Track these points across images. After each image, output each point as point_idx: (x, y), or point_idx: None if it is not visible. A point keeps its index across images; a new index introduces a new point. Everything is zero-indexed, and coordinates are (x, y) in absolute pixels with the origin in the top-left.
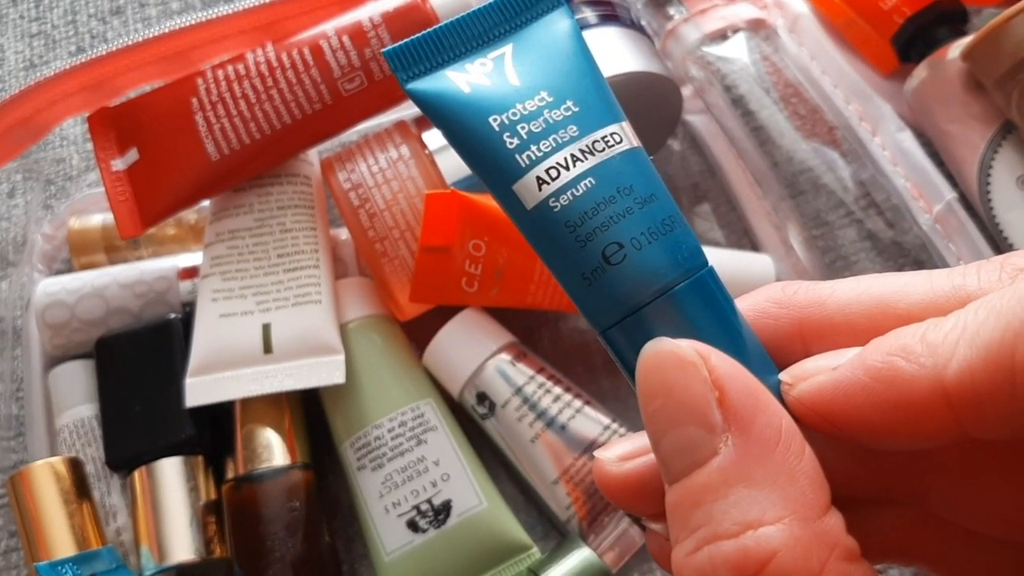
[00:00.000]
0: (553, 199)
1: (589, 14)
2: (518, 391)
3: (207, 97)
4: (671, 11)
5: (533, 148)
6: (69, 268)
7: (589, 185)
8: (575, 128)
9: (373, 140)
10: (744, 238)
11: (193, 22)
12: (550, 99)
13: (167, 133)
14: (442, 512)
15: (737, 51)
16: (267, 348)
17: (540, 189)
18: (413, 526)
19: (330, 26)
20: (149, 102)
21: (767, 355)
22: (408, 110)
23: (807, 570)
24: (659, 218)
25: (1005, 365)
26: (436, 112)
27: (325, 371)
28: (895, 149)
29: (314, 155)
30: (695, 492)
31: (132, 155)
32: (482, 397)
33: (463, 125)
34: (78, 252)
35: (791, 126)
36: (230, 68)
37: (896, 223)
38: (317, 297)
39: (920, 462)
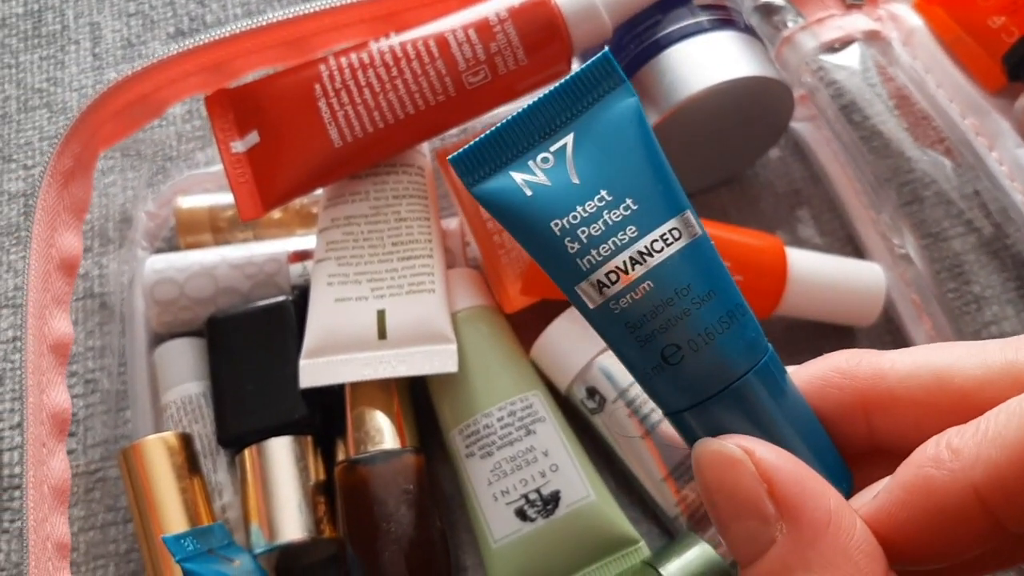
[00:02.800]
0: (613, 302)
1: (704, 18)
2: (628, 388)
3: (331, 84)
4: (785, 19)
5: (593, 252)
6: (170, 247)
7: (647, 288)
8: (634, 229)
9: None
10: (847, 245)
11: (315, 9)
12: (609, 198)
13: (290, 118)
14: (551, 502)
15: (851, 60)
16: (381, 334)
17: (601, 292)
18: (522, 515)
19: (456, 19)
20: (270, 86)
21: (823, 431)
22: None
23: None
24: (716, 316)
25: None
26: (501, 215)
27: (438, 359)
28: (1013, 164)
29: (425, 146)
30: None
31: (252, 138)
32: (592, 392)
33: (527, 228)
34: (185, 231)
35: (904, 134)
36: (353, 56)
37: (1009, 235)
38: (431, 286)
39: None
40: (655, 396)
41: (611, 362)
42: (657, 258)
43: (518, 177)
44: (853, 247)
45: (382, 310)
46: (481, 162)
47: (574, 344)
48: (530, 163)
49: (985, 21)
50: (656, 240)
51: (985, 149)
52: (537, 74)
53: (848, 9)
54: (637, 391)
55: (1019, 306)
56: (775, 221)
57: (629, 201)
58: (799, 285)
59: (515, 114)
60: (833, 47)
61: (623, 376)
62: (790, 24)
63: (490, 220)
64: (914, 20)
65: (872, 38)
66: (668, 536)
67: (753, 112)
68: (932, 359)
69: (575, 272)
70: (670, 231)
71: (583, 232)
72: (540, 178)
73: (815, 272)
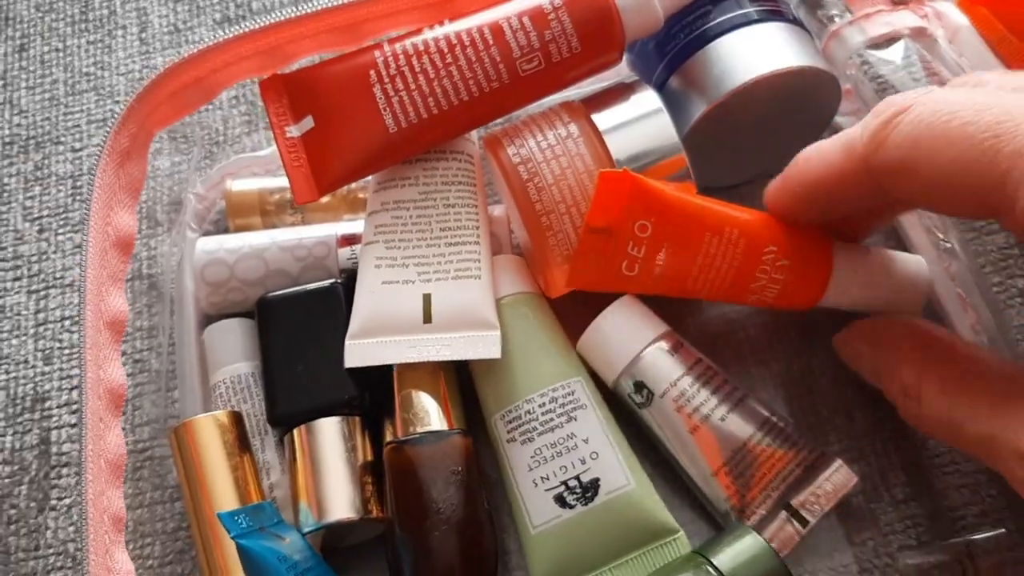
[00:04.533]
0: None
1: (752, 9)
2: (676, 381)
3: (385, 70)
4: (830, 13)
5: None
6: (218, 229)
7: None
8: None
9: (540, 118)
10: (891, 239)
11: None
12: None
13: (345, 103)
14: (590, 489)
15: (897, 57)
16: (427, 318)
17: None
18: (561, 501)
19: (510, 7)
20: (325, 72)
21: None
22: (576, 91)
23: None
24: None
25: None
26: None
27: (482, 345)
28: None
29: (473, 133)
30: None
31: (307, 123)
32: (639, 386)
33: None
34: (235, 214)
35: None
36: (408, 42)
37: None
38: (477, 273)
39: None
40: None
41: (661, 354)
42: None
43: None
44: (897, 240)
45: (428, 294)
46: None
47: (621, 337)
48: None
49: None
50: None
51: None
52: (589, 62)
53: (895, 6)
54: (685, 385)
55: None
56: None
57: None
58: (844, 274)
59: None
60: (879, 43)
61: (674, 367)
62: (836, 19)
63: (539, 202)
64: (959, 18)
65: (918, 35)
66: (711, 527)
67: (800, 104)
68: None
69: None
70: None
71: None
72: None
73: (860, 262)
